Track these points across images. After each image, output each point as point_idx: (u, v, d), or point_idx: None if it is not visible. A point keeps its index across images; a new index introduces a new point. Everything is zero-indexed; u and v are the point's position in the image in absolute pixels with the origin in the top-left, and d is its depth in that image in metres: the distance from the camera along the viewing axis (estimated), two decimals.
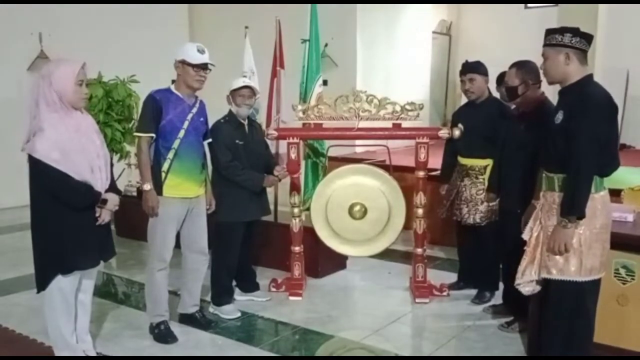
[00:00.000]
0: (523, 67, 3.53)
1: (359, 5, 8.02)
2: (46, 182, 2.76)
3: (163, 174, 3.42)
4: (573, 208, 2.60)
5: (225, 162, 3.81)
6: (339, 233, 4.22)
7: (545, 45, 2.76)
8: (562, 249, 2.66)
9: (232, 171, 3.83)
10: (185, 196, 3.48)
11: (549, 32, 2.75)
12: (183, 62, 3.39)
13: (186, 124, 3.42)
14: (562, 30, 2.70)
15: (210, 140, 3.69)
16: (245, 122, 3.96)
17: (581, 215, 2.61)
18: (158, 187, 3.41)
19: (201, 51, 3.41)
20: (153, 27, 8.30)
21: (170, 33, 8.29)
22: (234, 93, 3.88)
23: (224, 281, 3.98)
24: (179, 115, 3.42)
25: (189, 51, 3.41)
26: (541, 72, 2.85)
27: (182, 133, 3.41)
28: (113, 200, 2.95)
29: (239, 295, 4.22)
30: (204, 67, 3.41)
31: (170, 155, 3.41)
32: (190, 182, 3.48)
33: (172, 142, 3.40)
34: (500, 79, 4.38)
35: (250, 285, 4.29)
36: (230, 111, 3.94)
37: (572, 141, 2.59)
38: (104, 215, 2.93)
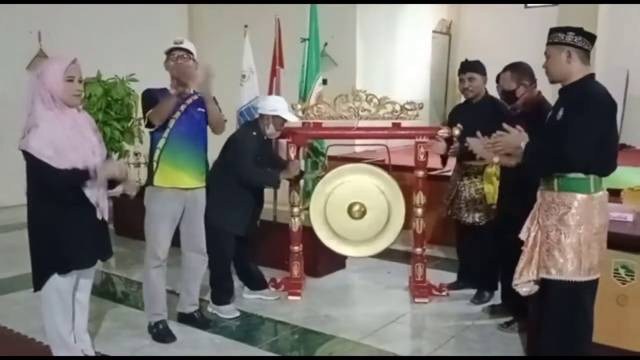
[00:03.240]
0: (517, 69, 3.53)
1: (358, 5, 8.00)
2: (38, 176, 2.74)
3: (154, 164, 3.45)
4: (531, 157, 2.68)
5: (249, 170, 3.77)
6: (338, 233, 4.21)
7: (548, 43, 2.76)
8: (498, 148, 2.77)
9: (253, 174, 3.81)
10: (176, 186, 3.46)
11: (552, 31, 2.75)
12: (165, 55, 3.44)
13: (178, 114, 3.43)
14: (565, 29, 2.71)
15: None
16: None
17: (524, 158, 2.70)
18: (150, 177, 3.44)
19: (177, 42, 3.44)
20: (152, 26, 8.27)
21: (169, 32, 8.22)
22: (278, 119, 3.83)
23: (221, 282, 3.95)
24: None
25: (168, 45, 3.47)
26: (544, 70, 2.84)
27: (172, 122, 3.42)
28: (104, 169, 2.80)
29: (247, 294, 4.22)
30: (178, 51, 3.41)
31: (161, 144, 3.43)
32: (181, 172, 3.46)
33: (163, 131, 3.42)
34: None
35: (258, 283, 4.26)
36: (258, 125, 3.89)
37: (569, 133, 2.57)
38: (123, 188, 2.98)
